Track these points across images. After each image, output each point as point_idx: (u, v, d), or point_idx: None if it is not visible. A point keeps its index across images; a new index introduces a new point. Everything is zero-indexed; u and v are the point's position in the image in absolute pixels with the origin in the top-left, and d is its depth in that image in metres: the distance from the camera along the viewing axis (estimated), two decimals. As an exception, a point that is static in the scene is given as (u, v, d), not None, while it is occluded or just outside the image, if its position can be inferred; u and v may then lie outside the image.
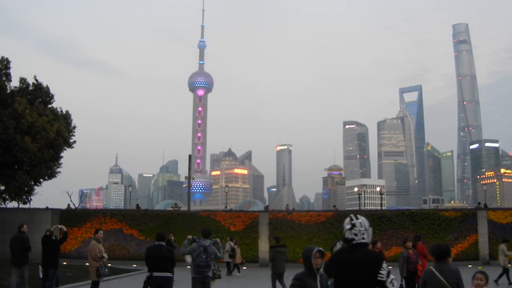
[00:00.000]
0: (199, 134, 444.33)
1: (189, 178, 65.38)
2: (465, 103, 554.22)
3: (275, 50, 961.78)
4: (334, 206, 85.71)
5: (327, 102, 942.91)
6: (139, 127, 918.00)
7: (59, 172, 45.64)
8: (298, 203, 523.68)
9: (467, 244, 41.38)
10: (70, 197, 70.70)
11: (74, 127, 46.15)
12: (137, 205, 66.76)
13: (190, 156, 70.03)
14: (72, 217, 42.60)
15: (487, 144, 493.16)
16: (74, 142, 45.98)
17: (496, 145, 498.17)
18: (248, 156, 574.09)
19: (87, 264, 20.12)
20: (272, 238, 25.84)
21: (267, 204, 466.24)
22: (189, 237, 16.16)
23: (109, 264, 22.73)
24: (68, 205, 59.32)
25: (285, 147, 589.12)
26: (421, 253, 21.14)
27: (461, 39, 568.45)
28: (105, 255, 19.61)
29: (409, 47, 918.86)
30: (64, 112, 45.60)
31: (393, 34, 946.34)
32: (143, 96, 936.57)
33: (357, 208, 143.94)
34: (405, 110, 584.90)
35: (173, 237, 25.46)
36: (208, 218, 42.31)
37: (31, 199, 46.60)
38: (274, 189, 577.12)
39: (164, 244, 15.13)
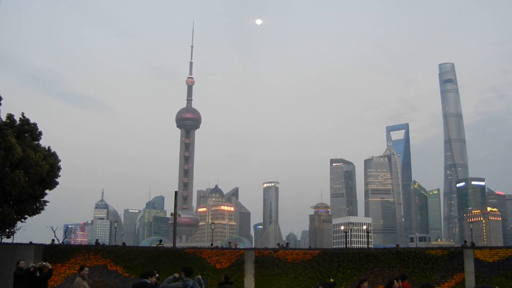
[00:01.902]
0: (186, 171, 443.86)
1: (174, 214, 64.95)
2: (451, 141, 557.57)
3: (263, 87, 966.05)
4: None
5: (315, 140, 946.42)
6: (126, 163, 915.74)
7: (43, 207, 45.32)
8: (284, 241, 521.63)
9: (453, 283, 41.18)
10: (54, 232, 69.97)
11: (60, 168, 45.96)
12: (123, 243, 66.15)
13: (176, 193, 69.63)
14: (56, 252, 42.09)
15: (473, 183, 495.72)
16: (57, 183, 45.72)
17: (482, 183, 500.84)
18: (235, 193, 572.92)
19: (71, 301, 19.93)
20: (223, 276, 25.69)
21: (253, 242, 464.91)
22: (176, 275, 16.07)
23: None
24: (53, 240, 58.72)
25: (272, 184, 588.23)
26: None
27: (447, 78, 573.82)
28: (89, 293, 19.42)
29: (396, 86, 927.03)
30: (52, 151, 45.43)
31: (380, 73, 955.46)
32: (130, 131, 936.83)
33: (344, 246, 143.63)
34: (392, 148, 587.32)
35: (157, 274, 25.19)
36: (194, 255, 41.97)
37: (15, 232, 46.14)
38: (261, 227, 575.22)
39: (149, 281, 14.98)
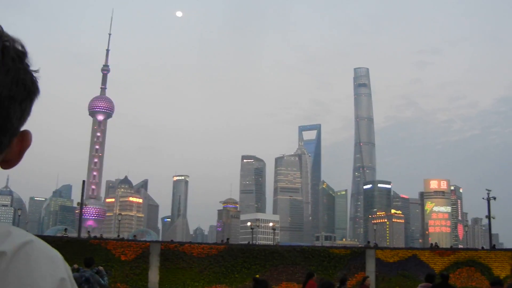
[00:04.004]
0: (95, 160, 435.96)
1: (81, 204, 64.02)
2: (361, 144, 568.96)
3: (178, 81, 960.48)
4: (228, 239, 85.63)
5: (227, 136, 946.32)
6: (33, 149, 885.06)
7: None
8: (192, 235, 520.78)
9: (355, 282, 42.13)
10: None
11: None
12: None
13: (84, 182, 68.66)
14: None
15: (379, 185, 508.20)
16: None
17: (388, 186, 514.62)
18: (144, 184, 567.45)
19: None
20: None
21: (160, 235, 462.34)
22: (75, 266, 15.81)
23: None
24: None
25: (182, 177, 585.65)
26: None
27: (361, 83, 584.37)
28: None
29: (312, 88, 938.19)
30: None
31: (296, 74, 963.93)
32: (41, 118, 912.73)
33: (250, 242, 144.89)
34: (303, 148, 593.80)
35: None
36: (99, 246, 41.38)
37: None
38: (169, 220, 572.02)
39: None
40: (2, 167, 1.83)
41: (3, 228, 1.59)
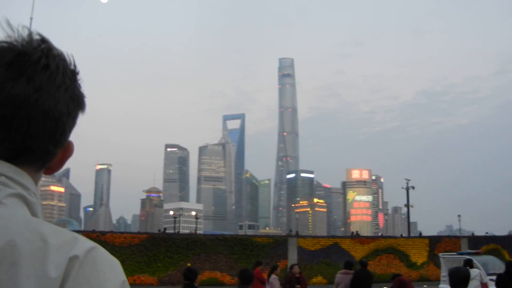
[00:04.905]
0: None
1: None
2: (285, 134, 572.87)
3: (103, 64, 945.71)
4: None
5: (151, 125, 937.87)
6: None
7: None
8: (115, 224, 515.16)
9: (278, 270, 42.53)
10: None
11: None
12: None
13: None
14: None
15: (302, 175, 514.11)
16: None
17: (311, 175, 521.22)
18: (66, 173, 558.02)
19: None
20: None
21: (83, 224, 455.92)
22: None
23: None
24: None
25: (105, 166, 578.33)
26: (257, 278, 20.89)
27: (286, 73, 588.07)
28: None
29: (236, 77, 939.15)
30: None
31: (222, 63, 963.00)
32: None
33: (173, 231, 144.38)
34: (227, 137, 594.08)
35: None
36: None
37: None
38: (91, 209, 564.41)
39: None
40: (45, 173, 1.98)
41: (70, 234, 1.67)
